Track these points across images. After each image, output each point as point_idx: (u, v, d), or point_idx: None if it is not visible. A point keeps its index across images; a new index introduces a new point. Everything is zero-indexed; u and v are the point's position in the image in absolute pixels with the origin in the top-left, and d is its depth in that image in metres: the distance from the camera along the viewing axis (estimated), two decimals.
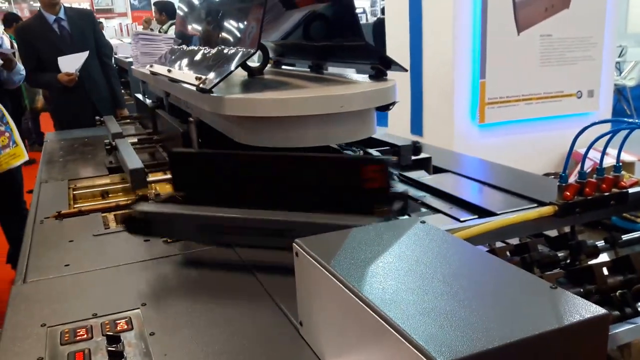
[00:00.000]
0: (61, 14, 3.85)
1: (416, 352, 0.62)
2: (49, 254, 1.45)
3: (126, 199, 1.92)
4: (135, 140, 2.37)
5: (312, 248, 0.91)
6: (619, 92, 8.37)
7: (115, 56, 5.79)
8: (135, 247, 1.47)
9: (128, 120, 3.23)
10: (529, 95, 4.16)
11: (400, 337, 0.65)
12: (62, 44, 3.84)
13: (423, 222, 1.02)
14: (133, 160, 1.86)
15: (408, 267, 0.83)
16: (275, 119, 1.32)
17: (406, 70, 1.51)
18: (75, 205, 1.89)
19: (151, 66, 2.26)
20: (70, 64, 3.75)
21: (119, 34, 9.22)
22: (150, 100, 2.66)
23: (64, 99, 3.92)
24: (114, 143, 2.22)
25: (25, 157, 3.26)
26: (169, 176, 1.81)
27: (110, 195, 2.10)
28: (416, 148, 1.93)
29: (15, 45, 3.83)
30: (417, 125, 4.41)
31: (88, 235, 1.57)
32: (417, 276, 0.80)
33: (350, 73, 1.81)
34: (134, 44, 2.76)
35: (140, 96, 2.85)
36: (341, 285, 0.79)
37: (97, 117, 2.85)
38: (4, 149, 3.14)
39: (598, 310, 0.69)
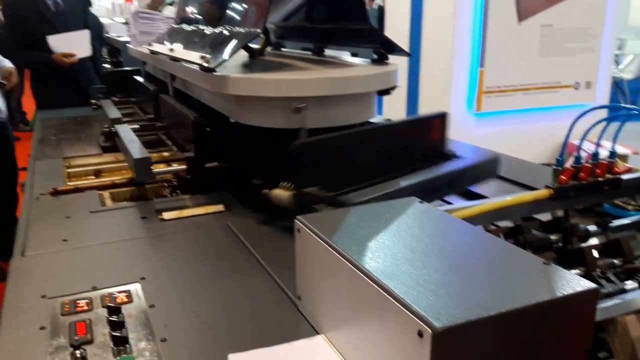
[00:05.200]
0: None
1: (416, 319, 0.64)
2: (46, 229, 1.46)
3: (120, 177, 1.92)
4: (136, 126, 2.19)
5: (314, 224, 0.93)
6: (616, 85, 8.39)
7: (108, 35, 5.73)
8: (132, 225, 1.49)
9: (125, 105, 2.99)
10: (527, 85, 4.17)
11: (401, 306, 0.67)
12: (56, 21, 3.71)
13: (421, 201, 1.04)
14: (136, 148, 1.71)
15: (407, 243, 0.85)
16: (278, 99, 1.33)
17: (410, 55, 1.53)
18: (70, 183, 1.90)
19: (150, 45, 2.25)
20: (66, 44, 3.63)
21: (111, 13, 9.07)
22: (143, 80, 2.61)
23: (52, 80, 3.78)
24: (113, 129, 2.09)
25: None
26: (173, 168, 1.71)
27: (103, 174, 2.11)
28: None
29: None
30: (412, 112, 4.41)
31: (84, 211, 1.58)
32: (415, 251, 0.82)
33: (346, 56, 1.82)
34: (132, 23, 2.73)
35: (140, 79, 2.76)
36: (343, 259, 0.81)
37: (93, 101, 2.74)
38: None
39: (588, 284, 0.71)
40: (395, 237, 0.88)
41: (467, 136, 3.68)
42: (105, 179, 1.94)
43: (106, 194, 1.78)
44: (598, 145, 1.15)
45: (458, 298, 0.69)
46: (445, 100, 4.06)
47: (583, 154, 1.19)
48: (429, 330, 0.63)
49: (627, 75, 8.88)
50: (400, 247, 0.84)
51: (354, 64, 1.57)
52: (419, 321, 0.64)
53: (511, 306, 0.66)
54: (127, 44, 2.90)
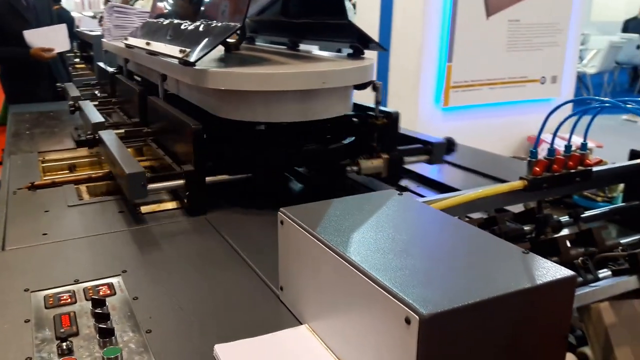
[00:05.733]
0: None
1: (403, 306, 0.67)
2: (25, 223, 1.46)
3: (96, 171, 1.91)
4: (121, 132, 1.94)
5: (298, 216, 0.94)
6: (579, 79, 8.61)
7: (78, 30, 5.65)
8: (111, 218, 1.49)
9: (106, 107, 2.69)
10: (494, 80, 4.25)
11: (388, 295, 0.70)
12: (28, 15, 3.70)
13: (400, 193, 1.07)
14: (129, 162, 1.47)
15: (389, 234, 0.88)
16: (259, 93, 1.35)
17: (385, 50, 1.56)
18: (46, 177, 1.88)
19: (126, 39, 2.23)
20: (43, 39, 3.63)
21: (80, 7, 8.96)
22: (117, 75, 2.54)
23: (24, 74, 3.76)
24: (96, 136, 1.84)
25: None
26: (169, 184, 1.48)
27: (77, 169, 2.09)
28: (450, 145, 1.78)
29: None
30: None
31: (63, 205, 1.57)
32: (398, 241, 0.85)
33: (317, 50, 1.84)
34: (107, 17, 2.71)
35: (122, 78, 2.50)
36: (328, 250, 0.83)
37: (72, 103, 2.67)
38: None
39: (567, 272, 0.75)
40: (378, 228, 0.90)
41: (435, 131, 3.74)
42: (82, 173, 1.93)
43: (83, 188, 1.78)
44: (571, 135, 1.20)
45: (442, 286, 0.72)
46: (414, 95, 4.11)
47: (547, 147, 1.23)
48: (416, 317, 0.65)
49: (590, 70, 9.11)
50: (383, 238, 0.86)
51: (331, 59, 1.59)
52: (406, 308, 0.67)
53: (494, 293, 0.69)
54: (101, 39, 2.85)
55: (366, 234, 0.88)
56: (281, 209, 1.00)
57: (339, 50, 1.76)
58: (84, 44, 5.47)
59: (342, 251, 0.81)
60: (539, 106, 4.40)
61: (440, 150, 1.70)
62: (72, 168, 2.11)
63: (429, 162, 1.70)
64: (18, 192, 1.69)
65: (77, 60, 5.50)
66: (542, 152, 1.20)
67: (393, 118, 1.60)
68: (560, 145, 1.23)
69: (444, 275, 0.75)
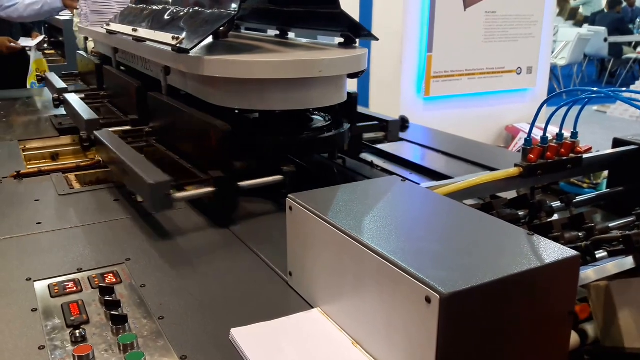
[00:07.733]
0: None
1: (423, 286, 0.70)
2: (16, 213, 1.44)
3: (83, 160, 1.90)
4: (118, 130, 1.77)
5: (308, 202, 0.96)
6: (551, 70, 8.77)
7: None
8: (106, 207, 1.48)
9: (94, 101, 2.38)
10: (472, 70, 4.32)
11: (408, 276, 0.72)
12: None
13: (403, 180, 1.09)
14: (149, 169, 1.31)
15: (399, 218, 0.91)
16: (254, 81, 1.35)
17: (377, 39, 1.58)
18: (29, 166, 1.86)
19: (108, 25, 2.20)
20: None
21: None
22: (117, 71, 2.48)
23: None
24: (92, 137, 1.65)
25: None
26: (197, 192, 1.32)
27: (60, 158, 2.07)
28: (404, 123, 2.00)
29: None
30: (363, 96, 4.49)
31: (54, 194, 1.56)
32: (410, 225, 0.88)
33: (301, 39, 1.86)
34: (83, 2, 2.67)
35: (114, 70, 2.23)
36: (343, 235, 0.85)
37: (55, 96, 2.58)
38: None
39: (571, 252, 0.78)
40: (386, 213, 0.93)
41: (417, 120, 3.78)
42: (69, 162, 1.91)
43: (72, 176, 1.76)
44: (562, 125, 1.23)
45: (457, 266, 0.75)
46: (396, 85, 4.15)
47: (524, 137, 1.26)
48: (437, 296, 0.68)
49: (561, 62, 9.28)
50: (393, 222, 0.89)
51: (324, 47, 1.60)
52: (427, 288, 0.70)
53: (506, 273, 0.73)
54: (78, 24, 2.81)
55: (376, 218, 0.90)
56: (289, 195, 1.01)
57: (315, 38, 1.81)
58: (52, 29, 5.33)
59: (356, 235, 0.84)
60: (516, 96, 4.49)
61: (395, 128, 1.91)
62: (55, 157, 2.08)
63: (386, 138, 1.89)
64: (4, 181, 1.66)
65: (45, 46, 5.36)
66: (520, 142, 1.24)
67: (352, 97, 1.70)
68: (536, 135, 1.27)
69: (457, 257, 0.78)
